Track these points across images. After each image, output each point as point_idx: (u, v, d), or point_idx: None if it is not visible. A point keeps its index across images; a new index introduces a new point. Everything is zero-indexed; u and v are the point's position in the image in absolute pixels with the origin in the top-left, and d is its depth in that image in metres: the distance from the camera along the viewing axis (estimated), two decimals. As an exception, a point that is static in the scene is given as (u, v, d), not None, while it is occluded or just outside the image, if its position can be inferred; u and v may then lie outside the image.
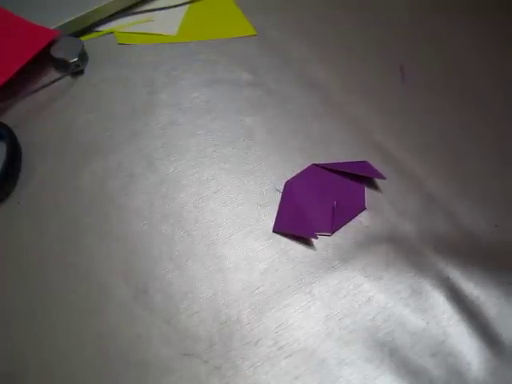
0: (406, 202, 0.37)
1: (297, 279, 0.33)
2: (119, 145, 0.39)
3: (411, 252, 0.34)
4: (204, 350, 0.30)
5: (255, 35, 0.48)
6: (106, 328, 0.30)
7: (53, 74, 0.43)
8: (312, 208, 0.36)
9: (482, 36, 0.49)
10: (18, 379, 0.28)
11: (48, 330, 0.30)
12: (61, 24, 0.44)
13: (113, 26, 0.48)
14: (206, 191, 0.37)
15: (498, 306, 0.32)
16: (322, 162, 0.38)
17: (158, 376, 0.29)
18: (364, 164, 0.38)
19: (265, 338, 0.30)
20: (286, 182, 0.37)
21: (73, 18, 0.45)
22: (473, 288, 0.33)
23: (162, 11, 0.49)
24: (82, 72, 0.43)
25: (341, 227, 0.35)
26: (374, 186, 0.38)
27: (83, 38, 0.45)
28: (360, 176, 0.38)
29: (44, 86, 0.42)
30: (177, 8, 0.50)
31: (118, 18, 0.48)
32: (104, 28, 0.47)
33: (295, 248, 0.34)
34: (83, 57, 0.44)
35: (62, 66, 0.43)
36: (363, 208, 0.36)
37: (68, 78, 0.43)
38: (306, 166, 0.38)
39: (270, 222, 0.35)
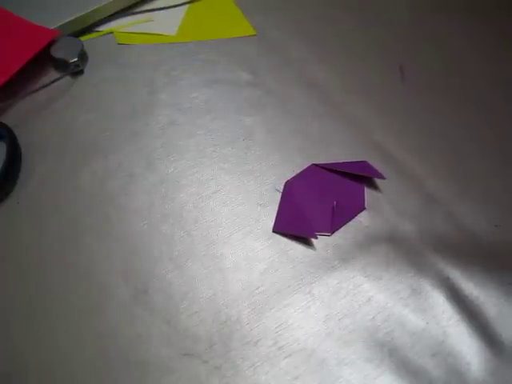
0: (405, 202, 0.37)
1: (297, 279, 0.33)
2: (119, 145, 0.39)
3: (411, 252, 0.34)
4: (204, 350, 0.30)
5: (255, 35, 0.48)
6: (106, 328, 0.30)
7: (53, 74, 0.43)
8: (312, 208, 0.36)
9: (481, 36, 0.49)
10: (17, 379, 0.28)
11: (48, 329, 0.30)
12: (61, 24, 0.44)
13: (112, 25, 0.48)
14: (206, 191, 0.37)
15: (498, 306, 0.32)
16: (322, 162, 0.38)
17: (158, 376, 0.29)
18: (364, 164, 0.38)
19: (265, 338, 0.30)
20: (286, 182, 0.37)
21: (73, 18, 0.45)
22: (473, 288, 0.33)
23: (161, 11, 0.49)
24: (81, 72, 0.43)
25: (341, 227, 0.35)
26: (374, 186, 0.38)
27: (83, 38, 0.45)
28: (360, 176, 0.38)
29: (44, 86, 0.42)
30: (176, 8, 0.50)
31: (117, 17, 0.48)
32: (104, 28, 0.47)
33: (295, 248, 0.34)
34: (83, 57, 0.44)
35: (62, 66, 0.43)
36: (363, 208, 0.36)
37: (68, 78, 0.43)
38: (305, 166, 0.38)
39: (270, 222, 0.35)
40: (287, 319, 0.31)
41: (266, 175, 0.38)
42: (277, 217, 0.36)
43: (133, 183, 0.37)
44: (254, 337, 0.30)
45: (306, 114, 0.42)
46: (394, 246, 0.35)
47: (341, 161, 0.39)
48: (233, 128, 0.40)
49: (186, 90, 0.43)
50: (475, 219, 0.36)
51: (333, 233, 0.35)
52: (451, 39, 0.49)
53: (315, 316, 0.31)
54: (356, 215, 0.36)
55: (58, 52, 0.43)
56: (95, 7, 0.46)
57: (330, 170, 0.38)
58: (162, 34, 0.47)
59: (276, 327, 0.31)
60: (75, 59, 0.43)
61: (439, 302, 0.32)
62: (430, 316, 0.32)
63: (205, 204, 0.36)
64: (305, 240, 0.35)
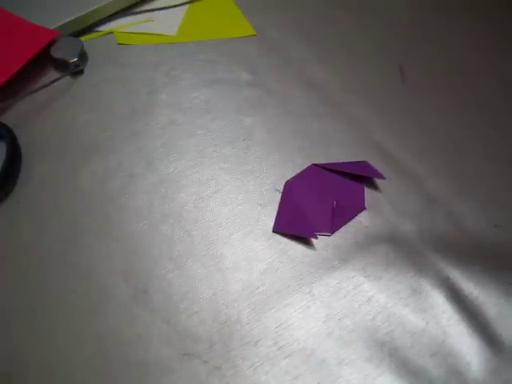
0: (406, 202, 0.37)
1: (297, 279, 0.33)
2: (119, 145, 0.39)
3: (411, 252, 0.34)
4: (204, 350, 0.30)
5: (255, 35, 0.48)
6: (106, 328, 0.30)
7: (53, 73, 0.43)
8: (312, 208, 0.36)
9: (482, 36, 0.49)
10: (18, 379, 0.28)
11: (48, 329, 0.30)
12: (61, 24, 0.44)
13: (112, 25, 0.48)
14: (206, 191, 0.37)
15: (498, 306, 0.32)
16: (322, 162, 0.38)
17: (158, 376, 0.29)
18: (364, 164, 0.38)
19: (265, 338, 0.30)
20: (286, 182, 0.37)
21: (73, 18, 0.45)
22: (473, 288, 0.33)
23: (161, 11, 0.49)
24: (81, 72, 0.43)
25: (341, 227, 0.35)
26: (374, 186, 0.38)
27: (83, 38, 0.45)
28: (360, 176, 0.38)
29: (44, 86, 0.42)
30: (176, 8, 0.50)
31: (117, 17, 0.48)
32: (104, 28, 0.47)
33: (295, 248, 0.34)
34: (83, 57, 0.44)
35: (62, 65, 0.43)
36: (363, 208, 0.36)
37: (68, 78, 0.43)
38: (305, 166, 0.38)
39: (270, 222, 0.35)
40: (287, 319, 0.31)
41: (265, 175, 0.38)
42: (277, 217, 0.36)
43: (133, 183, 0.37)
44: (254, 337, 0.30)
45: (305, 113, 0.42)
46: (394, 245, 0.35)
47: (341, 161, 0.39)
48: (233, 128, 0.40)
49: (185, 90, 0.43)
50: (475, 219, 0.36)
51: (333, 233, 0.35)
52: (451, 39, 0.49)
53: (315, 316, 0.31)
54: (356, 215, 0.36)
55: (57, 52, 0.43)
56: (95, 7, 0.46)
57: (330, 170, 0.38)
58: (162, 34, 0.47)
59: (276, 327, 0.31)
60: (75, 59, 0.43)
61: (439, 302, 0.32)
62: (430, 316, 0.32)
63: (205, 204, 0.36)
64: (305, 240, 0.35)
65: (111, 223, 0.35)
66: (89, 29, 0.47)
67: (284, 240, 0.35)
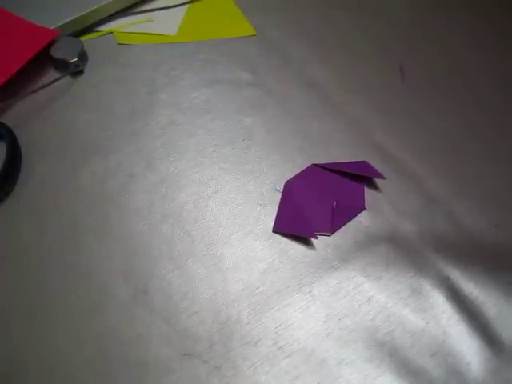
0: (406, 202, 0.37)
1: (297, 279, 0.33)
2: (119, 145, 0.39)
3: (411, 252, 0.34)
4: (204, 349, 0.30)
5: (255, 35, 0.48)
6: (106, 328, 0.30)
7: (53, 73, 0.43)
8: (312, 208, 0.36)
9: (482, 35, 0.49)
10: (18, 379, 0.28)
11: (48, 329, 0.30)
12: (61, 24, 0.44)
13: (112, 26, 0.48)
14: (206, 191, 0.37)
15: (498, 306, 0.32)
16: (322, 162, 0.38)
17: (157, 376, 0.29)
18: (364, 164, 0.38)
19: (265, 338, 0.30)
20: (286, 182, 0.37)
21: (73, 17, 0.45)
22: (473, 288, 0.33)
23: (161, 11, 0.49)
24: (81, 72, 0.43)
25: (341, 227, 0.35)
26: (374, 186, 0.38)
27: (83, 38, 0.45)
28: (360, 176, 0.38)
29: (44, 86, 0.42)
30: (176, 8, 0.50)
31: (117, 18, 0.48)
32: (104, 28, 0.47)
33: (295, 248, 0.34)
34: (83, 57, 0.44)
35: (62, 66, 0.43)
36: (363, 208, 0.36)
37: (68, 78, 0.43)
38: (305, 166, 0.38)
39: (270, 222, 0.35)
40: (287, 319, 0.31)
41: (266, 175, 0.38)
42: (277, 217, 0.36)
43: (133, 183, 0.37)
44: (254, 337, 0.30)
45: (306, 113, 0.42)
46: (394, 246, 0.35)
47: (341, 161, 0.39)
48: (233, 128, 0.40)
49: (185, 90, 0.43)
50: (475, 219, 0.36)
51: (333, 233, 0.35)
52: (451, 39, 0.49)
53: (315, 316, 0.31)
54: (356, 215, 0.36)
55: (57, 52, 0.43)
56: (95, 7, 0.46)
57: (330, 170, 0.38)
58: (162, 34, 0.47)
59: (276, 327, 0.31)
60: (75, 59, 0.43)
61: (439, 301, 0.32)
62: (430, 316, 0.32)
63: (205, 204, 0.36)
64: (305, 240, 0.35)
65: (111, 223, 0.35)
66: (89, 29, 0.47)
67: (284, 240, 0.35)
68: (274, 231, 0.35)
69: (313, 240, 0.34)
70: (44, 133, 0.39)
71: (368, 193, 0.37)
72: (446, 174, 0.38)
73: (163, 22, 0.48)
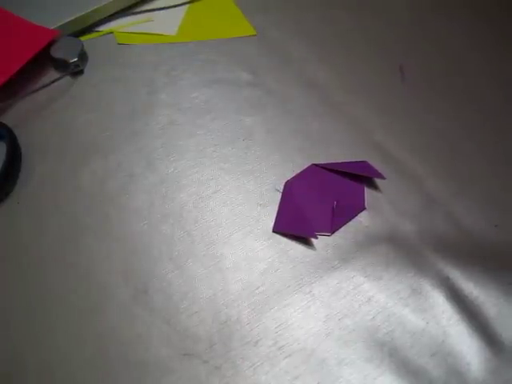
0: (406, 202, 0.37)
1: (297, 279, 0.33)
2: (119, 145, 0.39)
3: (411, 252, 0.34)
4: (204, 349, 0.30)
5: (255, 35, 0.48)
6: (106, 328, 0.30)
7: (53, 74, 0.43)
8: (312, 208, 0.36)
9: (482, 35, 0.49)
10: (18, 379, 0.28)
11: (48, 329, 0.30)
12: (61, 24, 0.44)
13: (112, 26, 0.48)
14: (206, 191, 0.37)
15: (498, 306, 0.32)
16: (322, 162, 0.38)
17: (157, 376, 0.29)
18: (364, 164, 0.38)
19: (265, 338, 0.30)
20: (286, 182, 0.37)
21: (73, 17, 0.45)
22: (473, 288, 0.33)
23: (161, 11, 0.49)
24: (81, 72, 0.43)
25: (341, 227, 0.35)
26: (374, 186, 0.38)
27: (83, 38, 0.45)
28: (360, 176, 0.38)
29: (44, 86, 0.42)
30: (176, 8, 0.50)
31: (117, 17, 0.48)
32: (104, 28, 0.47)
33: (295, 248, 0.34)
34: (83, 57, 0.44)
35: (62, 65, 0.43)
36: (363, 208, 0.36)
37: (68, 78, 0.43)
38: (305, 166, 0.38)
39: (270, 222, 0.35)
40: (287, 319, 0.31)
41: (266, 175, 0.38)
42: (277, 217, 0.36)
43: (133, 183, 0.37)
44: (254, 337, 0.30)
45: (306, 113, 0.42)
46: (394, 246, 0.35)
47: (341, 161, 0.39)
48: (233, 128, 0.40)
49: (185, 90, 0.43)
50: (475, 219, 0.36)
51: (333, 233, 0.35)
52: (451, 39, 0.49)
53: (315, 316, 0.31)
54: (356, 215, 0.36)
55: (57, 52, 0.43)
56: (95, 7, 0.46)
57: (330, 170, 0.38)
58: (162, 34, 0.47)
59: (276, 327, 0.31)
60: (75, 59, 0.43)
61: (439, 301, 0.32)
62: (430, 316, 0.32)
63: (205, 204, 0.36)
64: (305, 240, 0.35)
65: (111, 223, 0.35)
66: (89, 29, 0.47)
67: (284, 240, 0.35)
68: (273, 231, 0.35)
69: (313, 240, 0.34)
70: (44, 133, 0.39)
71: (368, 193, 0.37)
72: (446, 174, 0.38)
73: (163, 22, 0.48)
